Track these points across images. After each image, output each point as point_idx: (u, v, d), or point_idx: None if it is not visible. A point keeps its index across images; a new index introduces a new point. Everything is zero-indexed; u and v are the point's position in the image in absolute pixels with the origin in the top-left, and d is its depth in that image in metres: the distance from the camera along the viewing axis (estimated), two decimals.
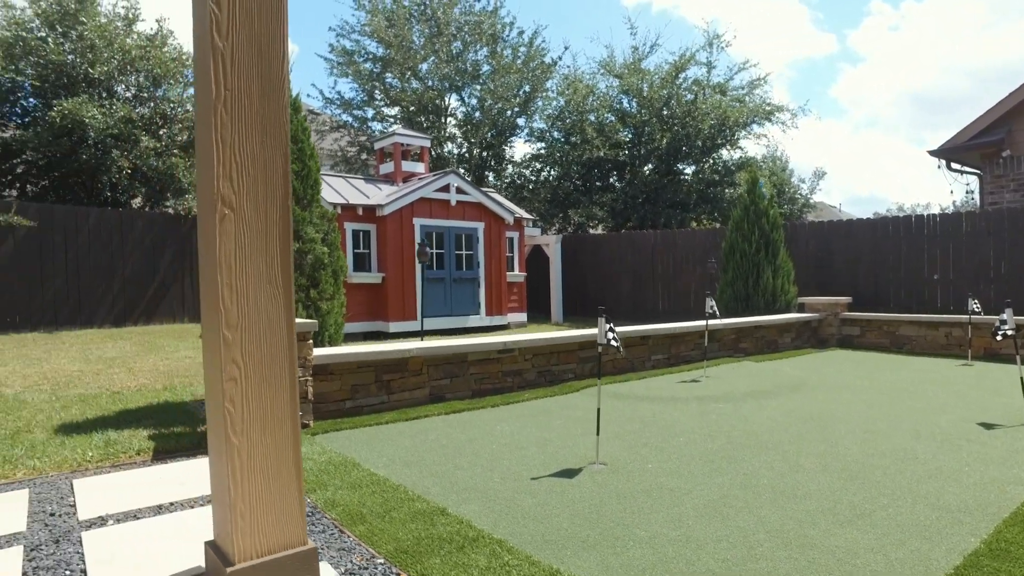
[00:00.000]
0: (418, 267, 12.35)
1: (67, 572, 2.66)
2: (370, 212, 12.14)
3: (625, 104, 21.84)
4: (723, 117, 20.42)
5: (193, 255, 13.40)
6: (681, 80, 21.31)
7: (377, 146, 15.01)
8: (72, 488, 3.71)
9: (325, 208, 6.21)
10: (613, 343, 4.07)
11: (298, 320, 4.97)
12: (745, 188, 12.07)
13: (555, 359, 7.00)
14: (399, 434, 4.73)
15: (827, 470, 3.75)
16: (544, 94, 22.74)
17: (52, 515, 3.30)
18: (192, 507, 3.39)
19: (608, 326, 4.08)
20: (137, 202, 14.51)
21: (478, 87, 22.11)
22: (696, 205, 21.06)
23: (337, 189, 12.17)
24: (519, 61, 22.15)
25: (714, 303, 7.55)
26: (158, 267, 12.99)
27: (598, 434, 4.10)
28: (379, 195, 12.60)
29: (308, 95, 31.74)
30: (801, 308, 11.24)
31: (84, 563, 2.73)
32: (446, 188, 12.86)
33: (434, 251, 12.65)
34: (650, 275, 15.89)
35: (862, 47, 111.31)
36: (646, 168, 21.53)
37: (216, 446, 2.26)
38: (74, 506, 3.42)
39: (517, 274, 14.85)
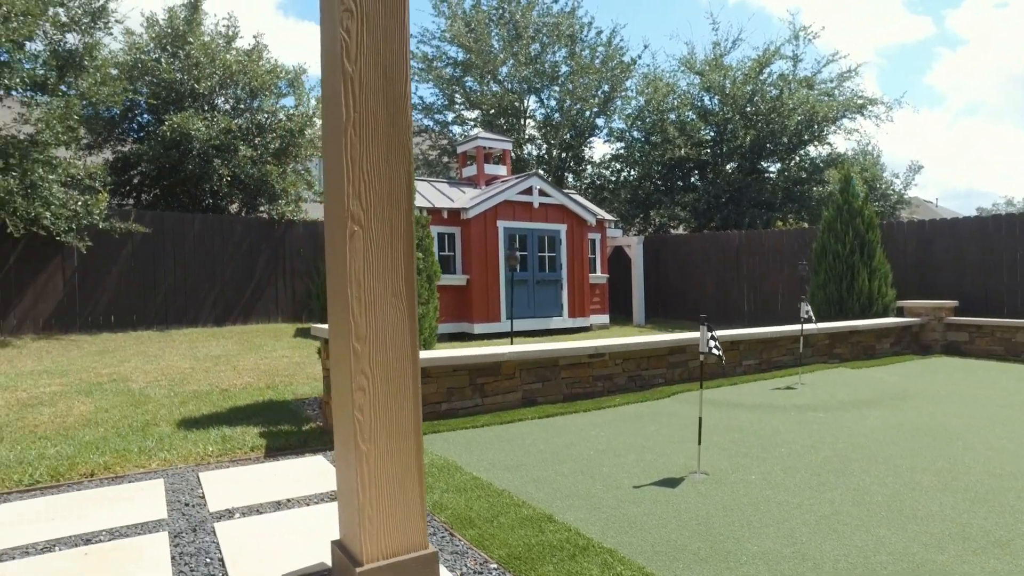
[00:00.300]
0: (502, 269, 12.50)
1: (207, 559, 2.87)
2: (454, 215, 12.38)
3: (707, 102, 21.34)
4: (811, 112, 19.62)
5: (286, 259, 14.04)
6: (765, 75, 20.63)
7: (460, 150, 15.28)
8: (199, 480, 3.99)
9: (417, 213, 6.40)
10: (715, 351, 4.00)
11: None
12: (837, 186, 11.56)
13: (645, 364, 6.93)
14: (496, 438, 4.82)
15: (948, 490, 3.56)
16: (623, 94, 22.52)
17: (187, 505, 3.55)
18: (307, 504, 3.57)
19: (709, 334, 4.01)
20: (234, 208, 15.35)
21: (557, 88, 22.14)
22: (782, 204, 20.33)
23: (423, 193, 12.48)
24: (598, 61, 22.04)
25: (810, 308, 7.27)
26: (254, 270, 13.69)
27: (700, 443, 4.04)
28: (463, 198, 12.82)
29: None
30: (900, 312, 10.66)
31: (220, 552, 2.94)
32: (529, 191, 12.95)
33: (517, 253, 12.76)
34: (735, 276, 15.46)
35: (963, 28, 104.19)
36: (729, 167, 20.96)
37: (344, 452, 2.38)
38: (203, 498, 3.68)
39: (599, 275, 14.78)
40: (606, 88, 22.10)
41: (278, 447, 4.73)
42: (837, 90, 20.62)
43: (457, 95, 22.40)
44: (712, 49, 21.77)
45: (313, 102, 15.39)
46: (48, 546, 3.07)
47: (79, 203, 10.26)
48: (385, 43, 2.33)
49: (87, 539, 3.13)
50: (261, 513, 3.44)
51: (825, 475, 3.84)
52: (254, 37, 15.46)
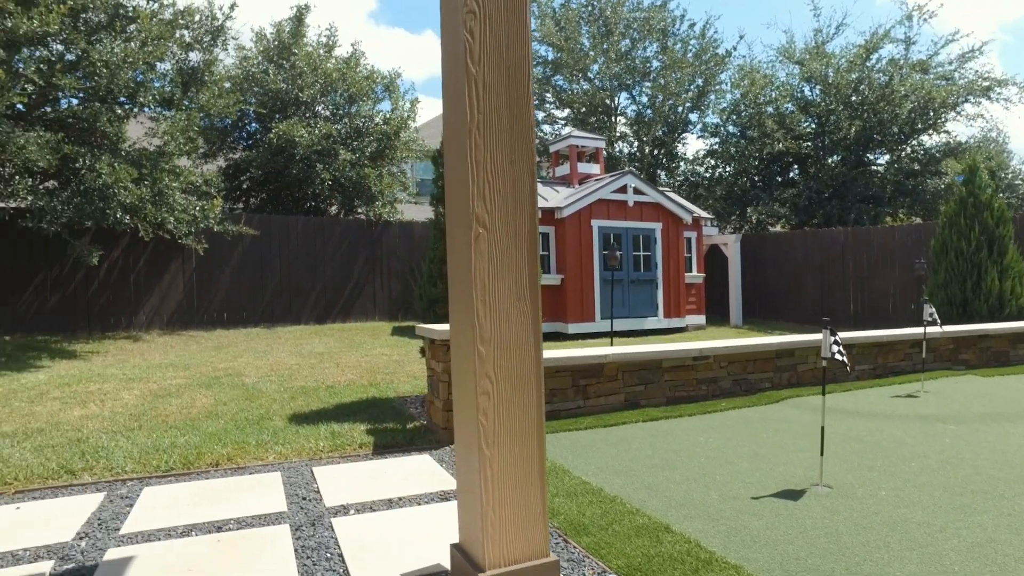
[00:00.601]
0: (597, 269, 12.38)
1: (328, 554, 2.95)
2: (548, 215, 12.35)
3: (807, 92, 20.29)
4: (925, 98, 18.25)
5: (383, 259, 14.47)
6: (874, 61, 19.37)
7: (552, 149, 15.24)
8: (313, 475, 4.13)
9: None
10: (838, 356, 3.75)
11: None
12: (960, 178, 10.68)
13: (751, 367, 6.64)
14: (601, 441, 4.73)
15: None
16: (718, 87, 21.79)
17: (304, 499, 3.68)
18: (418, 504, 3.61)
19: (833, 339, 3.77)
20: (332, 209, 15.96)
21: (648, 84, 21.70)
22: (892, 198, 19.05)
23: None
24: (690, 55, 21.43)
25: (934, 310, 6.73)
26: (353, 269, 14.19)
27: (822, 454, 3.79)
28: (557, 198, 12.78)
29: None
30: None
31: (339, 548, 3.01)
32: (623, 189, 12.74)
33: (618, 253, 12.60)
34: (839, 276, 14.63)
35: None
36: (831, 160, 19.86)
37: (466, 456, 2.37)
38: (318, 492, 3.80)
39: (695, 275, 14.36)
40: (699, 82, 21.47)
41: (385, 444, 4.83)
42: (957, 72, 19.09)
43: (547, 94, 22.38)
44: (813, 36, 20.71)
45: (408, 105, 15.78)
46: (186, 530, 3.25)
47: (197, 208, 10.96)
48: (508, 43, 2.30)
49: (218, 526, 3.30)
50: (375, 511, 3.51)
51: (968, 496, 3.51)
52: (352, 45, 16.08)
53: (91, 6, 9.37)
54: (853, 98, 19.07)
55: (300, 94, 14.47)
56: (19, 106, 9.10)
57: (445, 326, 5.06)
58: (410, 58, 69.12)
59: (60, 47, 9.40)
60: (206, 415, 5.76)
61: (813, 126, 19.96)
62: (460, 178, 2.30)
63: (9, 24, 8.19)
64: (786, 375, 6.87)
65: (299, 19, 14.95)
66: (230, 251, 12.75)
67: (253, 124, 15.08)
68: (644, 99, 22.01)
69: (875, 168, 19.90)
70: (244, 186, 15.23)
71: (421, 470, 4.23)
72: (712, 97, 21.94)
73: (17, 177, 9.15)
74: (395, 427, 5.32)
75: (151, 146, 10.72)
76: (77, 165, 9.26)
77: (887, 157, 20.02)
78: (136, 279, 11.92)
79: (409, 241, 14.75)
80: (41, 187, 9.66)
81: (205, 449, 4.59)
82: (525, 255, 2.31)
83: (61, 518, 3.44)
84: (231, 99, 11.72)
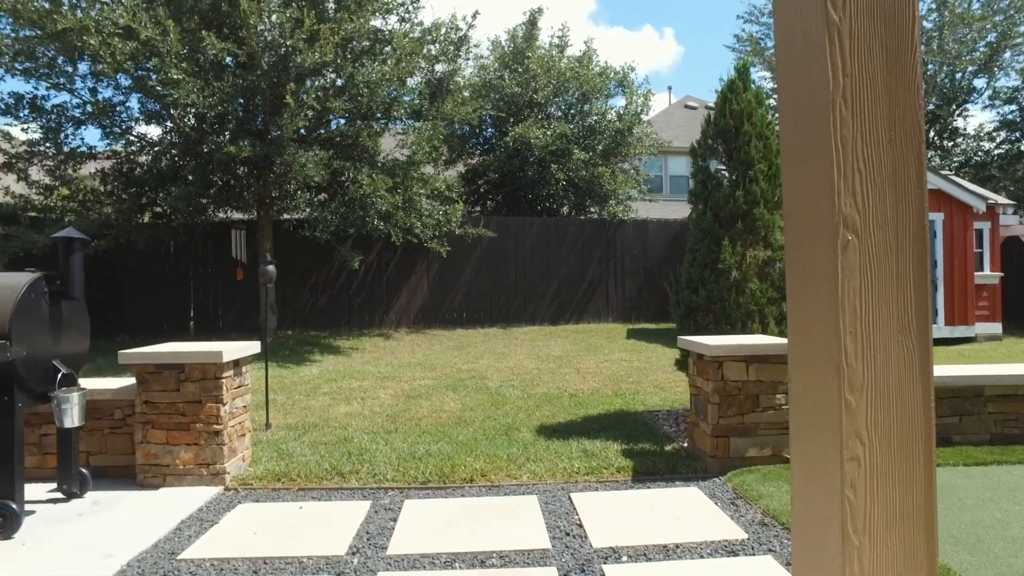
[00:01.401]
0: None
1: None
2: None
3: None
4: None
5: (616, 258, 14.05)
6: None
7: None
8: (572, 503, 3.78)
9: None
10: None
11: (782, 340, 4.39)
12: None
13: None
14: None
15: None
16: (1017, 43, 17.94)
17: (567, 535, 3.34)
18: (700, 556, 3.08)
19: None
20: (564, 210, 15.94)
21: (920, 49, 18.61)
22: None
23: None
24: (976, 6, 17.92)
25: None
26: (587, 269, 13.99)
27: None
28: None
29: (715, 90, 31.30)
30: None
31: None
32: None
33: None
34: None
35: None
36: None
37: (817, 539, 1.76)
38: (582, 527, 3.43)
39: (988, 274, 11.85)
40: (991, 38, 17.84)
41: (644, 470, 4.36)
42: None
43: None
44: None
45: (641, 100, 15.20)
46: (449, 560, 3.08)
47: (440, 212, 11.52)
48: None
49: (481, 559, 3.07)
50: (650, 559, 3.04)
51: None
52: (584, 43, 15.88)
53: (357, 34, 10.25)
54: None
55: (534, 96, 14.65)
56: (302, 130, 10.26)
57: (713, 339, 4.43)
58: (631, 55, 68.39)
59: (333, 75, 10.43)
60: (455, 421, 5.78)
61: None
62: (813, 165, 1.70)
63: (299, 59, 9.23)
64: None
65: (532, 23, 15.15)
66: (469, 253, 13.27)
67: (490, 129, 15.62)
68: None
69: None
70: (481, 190, 15.84)
71: (693, 506, 3.69)
72: (1008, 55, 18.13)
73: (298, 192, 10.32)
74: (652, 449, 4.83)
75: (402, 156, 11.48)
76: (343, 178, 10.19)
77: None
78: (387, 280, 12.92)
79: (643, 240, 14.17)
80: (315, 200, 10.81)
81: (459, 461, 4.51)
82: (911, 269, 1.65)
83: (335, 527, 3.48)
84: (471, 106, 12.14)
